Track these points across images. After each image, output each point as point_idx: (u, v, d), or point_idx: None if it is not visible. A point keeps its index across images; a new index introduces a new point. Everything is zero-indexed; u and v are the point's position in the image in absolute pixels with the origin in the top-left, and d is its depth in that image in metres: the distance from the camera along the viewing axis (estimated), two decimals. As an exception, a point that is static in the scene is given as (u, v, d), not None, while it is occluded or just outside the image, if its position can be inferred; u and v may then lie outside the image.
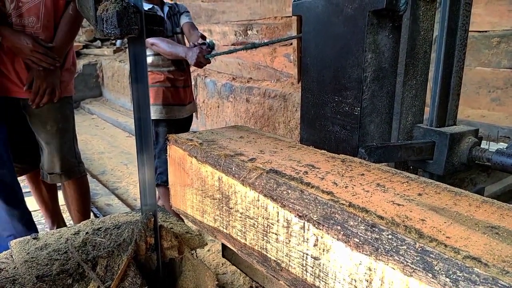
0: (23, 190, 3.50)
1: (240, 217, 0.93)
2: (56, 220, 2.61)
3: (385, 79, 1.15)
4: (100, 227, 1.60)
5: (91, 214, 3.00)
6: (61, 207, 2.81)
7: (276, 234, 0.83)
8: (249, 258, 0.94)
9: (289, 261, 0.82)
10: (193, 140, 1.12)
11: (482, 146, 1.32)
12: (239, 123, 4.83)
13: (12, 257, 1.46)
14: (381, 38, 1.11)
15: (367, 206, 0.70)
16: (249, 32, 4.63)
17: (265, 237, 0.87)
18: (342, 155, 1.00)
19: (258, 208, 0.86)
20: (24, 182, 3.80)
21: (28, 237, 1.56)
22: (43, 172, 2.22)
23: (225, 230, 1.00)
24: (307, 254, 0.77)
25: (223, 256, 1.58)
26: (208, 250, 2.23)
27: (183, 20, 2.76)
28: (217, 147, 1.03)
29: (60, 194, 2.65)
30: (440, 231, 0.61)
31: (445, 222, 0.64)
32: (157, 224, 1.53)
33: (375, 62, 1.12)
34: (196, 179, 1.08)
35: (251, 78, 4.62)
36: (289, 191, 0.79)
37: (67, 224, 2.79)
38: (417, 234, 0.60)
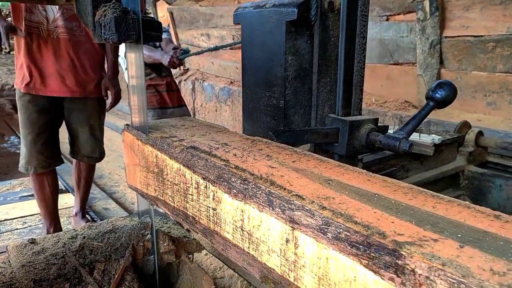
0: (24, 194, 3.56)
1: (170, 185, 1.11)
2: (54, 221, 2.70)
3: (306, 77, 1.37)
4: (98, 232, 1.59)
5: (88, 217, 3.07)
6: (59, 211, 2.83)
7: (191, 194, 1.02)
8: (177, 218, 1.12)
9: (200, 214, 1.01)
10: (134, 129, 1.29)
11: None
12: (237, 127, 4.83)
13: (9, 262, 1.44)
14: (300, 43, 1.33)
15: (248, 168, 0.89)
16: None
17: (185, 198, 1.06)
18: (257, 137, 1.17)
19: (180, 176, 1.06)
20: (22, 186, 3.83)
21: (26, 241, 1.55)
22: (82, 156, 2.72)
23: (161, 198, 1.18)
24: (209, 207, 0.96)
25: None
26: (206, 254, 2.31)
27: (163, 36, 3.15)
28: (157, 132, 1.20)
29: (59, 195, 2.81)
30: (289, 182, 0.80)
31: (297, 177, 0.83)
32: (154, 229, 1.53)
33: (295, 63, 1.33)
34: (142, 158, 1.24)
35: (249, 82, 4.63)
36: (199, 160, 0.98)
37: (63, 228, 2.84)
38: (270, 183, 0.80)
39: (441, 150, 2.06)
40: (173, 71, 6.18)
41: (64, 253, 1.45)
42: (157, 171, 1.14)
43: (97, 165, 2.94)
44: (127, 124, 1.32)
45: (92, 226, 1.65)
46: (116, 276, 1.43)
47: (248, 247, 0.83)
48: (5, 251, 1.53)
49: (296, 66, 1.35)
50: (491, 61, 2.65)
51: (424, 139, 1.93)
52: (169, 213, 1.14)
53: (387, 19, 3.31)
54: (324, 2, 1.28)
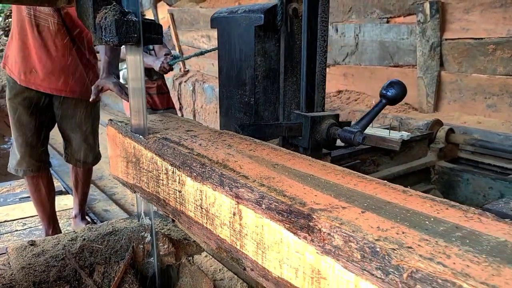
0: (22, 195, 3.58)
1: (145, 172, 1.23)
2: (52, 223, 2.70)
3: (274, 77, 1.49)
4: (98, 234, 1.59)
5: (88, 219, 3.06)
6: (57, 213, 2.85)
7: (162, 180, 1.13)
8: (152, 202, 1.25)
9: (169, 197, 1.12)
10: (122, 122, 1.39)
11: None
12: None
13: (9, 264, 1.45)
14: (268, 46, 1.45)
15: (208, 155, 1.01)
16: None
17: (157, 184, 1.16)
18: (225, 130, 1.28)
19: (153, 164, 1.17)
20: (22, 187, 3.89)
21: (25, 243, 1.55)
22: (76, 161, 2.68)
23: (138, 184, 1.29)
24: (176, 190, 1.07)
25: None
26: (206, 256, 2.26)
27: None
28: None
29: (58, 197, 2.83)
30: (240, 166, 0.92)
31: (248, 162, 0.95)
32: (154, 231, 1.54)
33: (264, 64, 1.46)
34: (122, 150, 1.35)
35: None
36: (168, 149, 1.09)
37: (63, 230, 2.84)
38: (223, 166, 0.92)
39: (411, 146, 2.19)
40: (174, 72, 6.31)
41: (64, 255, 1.45)
42: (135, 160, 1.27)
43: (97, 166, 2.90)
44: (110, 119, 1.44)
45: (92, 228, 1.66)
46: (116, 279, 1.42)
47: (206, 223, 0.96)
48: (5, 253, 1.54)
49: (265, 67, 1.48)
50: (491, 63, 2.66)
51: (394, 135, 2.05)
52: (145, 198, 1.27)
53: (388, 22, 3.33)
54: (289, 9, 1.42)
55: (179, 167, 1.03)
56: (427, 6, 2.91)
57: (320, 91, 1.45)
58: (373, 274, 0.57)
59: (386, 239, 0.59)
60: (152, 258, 1.54)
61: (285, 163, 0.96)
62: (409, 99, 3.32)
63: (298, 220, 0.70)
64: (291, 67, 1.47)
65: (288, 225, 0.71)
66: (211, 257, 1.63)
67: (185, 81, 6.21)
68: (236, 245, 0.86)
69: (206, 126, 1.35)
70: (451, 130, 2.35)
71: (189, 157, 1.01)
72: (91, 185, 3.79)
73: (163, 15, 6.55)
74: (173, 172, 1.06)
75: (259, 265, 0.80)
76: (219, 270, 1.60)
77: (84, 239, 1.55)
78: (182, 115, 6.11)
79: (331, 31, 3.72)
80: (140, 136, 1.21)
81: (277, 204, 0.74)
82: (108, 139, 1.48)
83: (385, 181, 0.84)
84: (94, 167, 2.88)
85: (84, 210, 2.96)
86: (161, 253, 1.56)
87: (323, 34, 1.40)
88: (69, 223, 3.04)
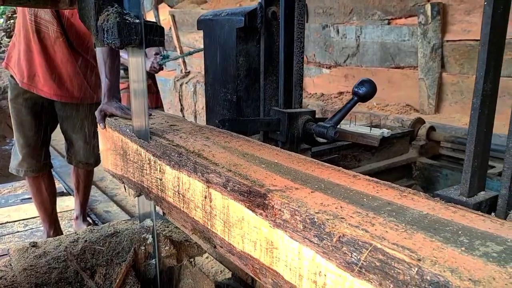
0: (24, 197, 3.60)
1: (131, 163, 1.32)
2: (54, 224, 2.72)
3: (255, 76, 1.60)
4: (99, 235, 1.60)
5: (90, 220, 3.08)
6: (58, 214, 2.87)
7: (145, 169, 1.23)
8: (137, 190, 1.34)
9: (152, 185, 1.21)
10: (112, 117, 1.49)
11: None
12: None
13: (11, 265, 1.46)
14: (250, 47, 1.56)
15: (186, 145, 1.09)
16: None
17: (142, 173, 1.26)
18: (207, 125, 1.39)
19: (138, 155, 1.26)
20: (23, 188, 3.94)
21: (27, 245, 1.56)
22: (78, 163, 2.73)
23: (126, 175, 1.38)
24: (157, 178, 1.16)
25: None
26: (207, 257, 2.20)
27: None
28: (124, 121, 1.40)
29: (59, 198, 2.86)
30: (213, 155, 1.02)
31: (221, 152, 1.05)
32: (156, 232, 1.55)
33: (246, 64, 1.56)
34: (112, 143, 1.45)
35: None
36: (151, 141, 1.19)
37: (65, 231, 2.85)
38: (197, 155, 1.02)
39: (392, 143, 2.29)
40: (174, 73, 6.40)
41: (66, 257, 1.46)
42: (122, 153, 1.37)
43: (98, 167, 2.80)
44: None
45: (94, 229, 1.67)
46: (117, 280, 1.43)
47: (183, 206, 1.05)
48: (7, 254, 1.56)
49: (246, 66, 1.58)
50: (492, 65, 2.74)
51: (375, 132, 2.15)
52: (132, 187, 1.37)
53: (389, 23, 3.34)
54: (268, 12, 1.51)
55: (160, 157, 1.13)
56: (428, 7, 2.92)
57: (298, 89, 1.55)
58: (311, 241, 0.67)
59: (324, 212, 0.69)
60: (153, 260, 1.55)
61: (255, 152, 1.06)
62: (410, 100, 3.35)
63: (256, 199, 0.80)
64: (271, 67, 1.57)
65: (248, 204, 0.81)
66: (212, 258, 1.64)
67: (186, 82, 6.26)
68: (208, 225, 0.96)
69: (190, 121, 1.45)
70: (432, 128, 2.44)
71: (169, 147, 1.10)
72: (93, 186, 3.77)
73: (164, 16, 6.61)
74: (155, 162, 1.16)
75: (225, 241, 0.90)
76: (220, 271, 1.60)
77: (86, 240, 1.56)
78: (183, 116, 6.18)
79: (333, 32, 3.76)
80: (127, 130, 1.31)
81: (239, 186, 0.84)
82: (100, 135, 1.58)
83: (340, 167, 0.94)
84: (95, 169, 2.88)
85: (85, 212, 2.98)
86: (162, 254, 1.57)
87: (300, 36, 1.50)
88: (70, 225, 3.06)
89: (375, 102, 3.57)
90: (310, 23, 3.97)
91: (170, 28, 6.34)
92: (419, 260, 0.53)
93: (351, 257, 0.60)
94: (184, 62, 6.15)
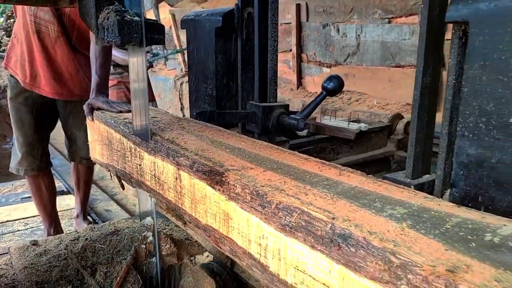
0: (24, 196, 3.63)
1: (116, 152, 1.42)
2: (54, 223, 2.72)
3: (234, 72, 1.71)
4: (100, 234, 1.62)
5: (90, 219, 3.08)
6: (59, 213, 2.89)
7: (128, 156, 1.32)
8: (123, 177, 1.44)
9: (133, 171, 1.31)
10: (99, 110, 1.59)
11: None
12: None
13: (11, 264, 1.47)
14: (228, 45, 1.67)
15: (162, 134, 1.20)
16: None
17: (124, 160, 1.36)
18: (185, 117, 1.50)
19: (120, 144, 1.35)
20: (23, 187, 3.99)
21: (28, 243, 1.57)
22: (80, 159, 2.72)
23: (111, 163, 1.49)
24: (137, 164, 1.27)
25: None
26: (207, 256, 2.17)
27: None
28: (109, 114, 1.49)
29: (60, 197, 2.88)
30: (185, 142, 1.13)
31: (193, 139, 1.15)
32: (156, 231, 1.55)
33: (224, 61, 1.67)
34: (99, 134, 1.55)
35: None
36: (132, 130, 1.28)
37: (65, 230, 2.85)
38: (171, 142, 1.13)
39: (370, 137, 2.40)
40: (174, 72, 6.49)
41: (66, 255, 1.47)
42: (108, 142, 1.48)
43: (98, 166, 2.93)
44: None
45: (94, 228, 1.70)
46: (118, 279, 1.43)
47: (159, 188, 1.17)
48: (7, 253, 1.57)
49: (225, 63, 1.70)
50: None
51: (352, 126, 2.26)
52: (116, 174, 1.48)
53: (389, 22, 3.36)
54: (244, 13, 1.63)
55: (139, 144, 1.24)
56: (428, 6, 3.02)
57: (272, 84, 1.66)
58: (256, 209, 0.79)
59: (269, 186, 0.81)
60: (154, 258, 1.56)
61: (223, 140, 1.17)
62: (410, 99, 3.34)
63: (215, 177, 0.91)
64: (247, 64, 1.69)
65: (209, 182, 0.93)
66: (212, 256, 1.62)
67: (186, 82, 6.36)
68: (179, 203, 1.08)
69: (171, 114, 1.57)
70: (409, 123, 2.56)
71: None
72: (93, 185, 3.72)
73: (164, 15, 6.63)
74: (135, 149, 1.28)
75: (193, 217, 1.02)
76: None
77: (86, 239, 1.58)
78: (183, 115, 6.27)
79: (333, 31, 3.79)
80: (112, 121, 1.42)
81: (203, 167, 0.96)
82: (89, 127, 1.69)
83: (296, 151, 1.05)
84: (95, 168, 2.88)
85: (86, 210, 2.98)
86: (163, 253, 1.57)
87: (274, 35, 1.62)
88: (71, 223, 3.06)
89: (376, 101, 3.58)
90: (310, 22, 4.00)
91: (170, 27, 6.36)
92: (333, 219, 0.65)
93: (285, 220, 0.72)
94: (184, 61, 6.25)
